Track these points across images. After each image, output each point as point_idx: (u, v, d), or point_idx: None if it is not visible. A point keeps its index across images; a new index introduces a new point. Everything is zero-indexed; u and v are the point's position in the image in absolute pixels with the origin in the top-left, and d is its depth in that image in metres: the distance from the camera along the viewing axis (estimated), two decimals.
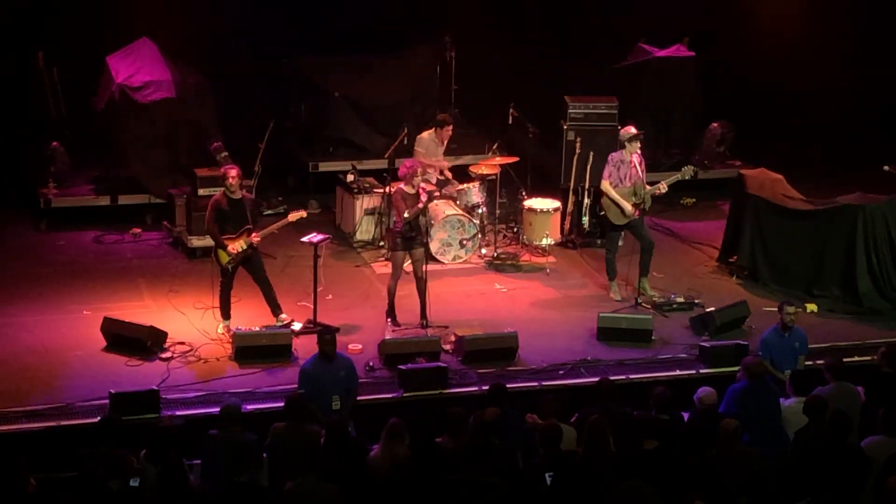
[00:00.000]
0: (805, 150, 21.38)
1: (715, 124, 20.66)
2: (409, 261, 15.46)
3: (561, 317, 16.09)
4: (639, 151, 16.30)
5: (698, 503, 10.82)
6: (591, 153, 17.80)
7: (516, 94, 19.14)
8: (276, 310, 15.26)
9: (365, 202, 18.07)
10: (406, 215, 15.18)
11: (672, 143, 20.47)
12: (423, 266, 15.44)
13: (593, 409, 12.27)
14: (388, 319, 15.40)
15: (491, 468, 10.99)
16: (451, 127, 17.89)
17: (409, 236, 15.30)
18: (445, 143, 17.97)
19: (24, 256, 17.37)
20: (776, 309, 14.59)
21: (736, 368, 13.38)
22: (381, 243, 17.73)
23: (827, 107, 22.00)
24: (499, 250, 17.80)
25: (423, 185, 15.45)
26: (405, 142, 18.38)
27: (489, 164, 17.95)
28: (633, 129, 16.34)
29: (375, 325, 15.39)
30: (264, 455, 11.77)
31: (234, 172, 14.97)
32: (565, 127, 18.13)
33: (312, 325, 15.14)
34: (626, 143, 16.23)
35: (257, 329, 14.92)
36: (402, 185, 15.46)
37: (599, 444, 11.29)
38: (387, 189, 17.45)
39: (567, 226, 18.15)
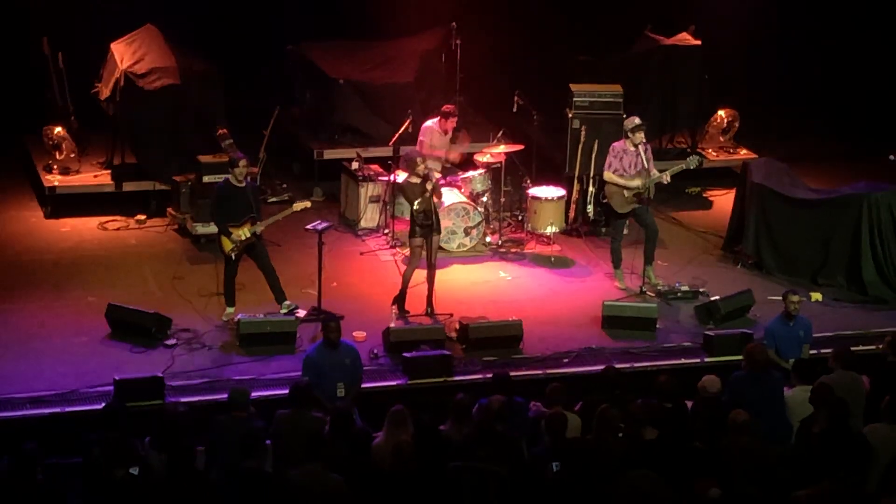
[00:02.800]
0: (810, 139, 21.37)
1: (720, 113, 20.62)
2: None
3: (565, 305, 16.09)
4: (644, 141, 16.27)
5: (714, 490, 10.80)
6: (597, 141, 17.76)
7: (521, 82, 19.11)
8: (280, 297, 15.27)
9: (369, 190, 18.05)
10: (415, 205, 15.19)
11: (677, 131, 20.43)
12: (436, 254, 15.46)
13: (597, 397, 12.27)
14: (395, 306, 15.38)
15: (495, 456, 10.98)
16: (455, 119, 17.90)
17: (425, 224, 15.29)
18: (450, 133, 17.95)
19: (28, 243, 17.37)
20: (781, 298, 14.59)
21: (740, 357, 13.37)
22: (386, 231, 17.73)
23: (832, 96, 22.00)
24: (503, 238, 17.79)
25: (434, 175, 15.37)
26: (410, 129, 18.35)
27: (494, 152, 17.93)
28: (636, 120, 16.32)
29: (380, 313, 15.39)
30: (268, 442, 11.77)
31: (245, 161, 15.02)
32: (570, 115, 18.11)
33: (317, 312, 15.14)
34: (629, 133, 16.21)
35: (262, 316, 14.93)
36: (407, 177, 15.47)
37: (609, 432, 11.30)
38: (391, 177, 17.43)
39: (572, 214, 18.13)
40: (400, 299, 15.46)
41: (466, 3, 20.91)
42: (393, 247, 17.37)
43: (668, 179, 16.31)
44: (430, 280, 15.47)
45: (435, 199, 15.27)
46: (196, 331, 14.90)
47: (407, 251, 16.98)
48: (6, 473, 10.61)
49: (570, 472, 10.90)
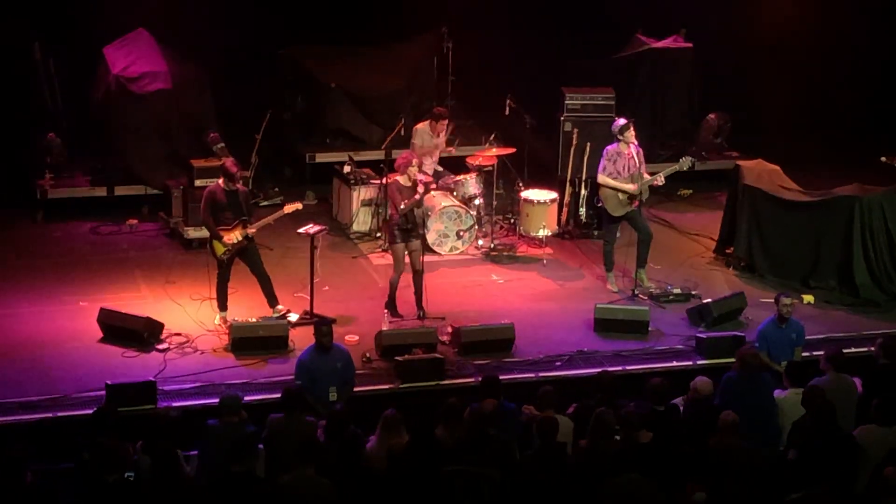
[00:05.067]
0: (802, 142, 21.39)
1: (712, 115, 20.65)
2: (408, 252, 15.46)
3: (558, 308, 16.09)
4: (635, 142, 16.28)
5: (699, 494, 10.81)
6: (588, 144, 17.79)
7: (513, 86, 19.11)
8: (272, 301, 15.25)
9: (362, 193, 18.07)
10: (402, 207, 15.18)
11: (669, 134, 20.45)
12: (421, 257, 15.44)
13: (591, 401, 12.27)
14: (387, 311, 15.38)
15: (488, 459, 10.98)
16: (446, 120, 17.91)
17: (405, 228, 15.29)
18: (441, 135, 17.95)
19: (20, 248, 17.36)
20: (773, 300, 14.59)
21: (732, 360, 13.37)
22: (378, 234, 17.73)
23: (824, 98, 22.02)
24: (496, 241, 17.80)
25: (420, 176, 15.41)
26: (402, 133, 18.38)
27: (486, 156, 17.94)
28: (621, 120, 16.34)
29: (372, 317, 15.38)
30: (260, 446, 11.75)
31: (235, 166, 15.02)
32: (562, 118, 18.12)
33: (309, 316, 15.13)
34: (619, 136, 16.21)
35: (254, 320, 14.91)
36: (398, 178, 15.46)
37: (604, 436, 11.30)
38: (383, 180, 17.44)
39: (564, 217, 18.15)
40: (389, 305, 15.47)
41: (458, 8, 20.92)
42: (385, 250, 17.36)
43: (662, 181, 16.33)
44: (418, 284, 15.46)
45: (415, 198, 15.20)
46: (188, 335, 14.88)
47: None
48: None
49: (565, 475, 10.92)
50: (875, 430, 11.73)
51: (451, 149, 18.13)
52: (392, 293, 15.48)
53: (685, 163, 16.54)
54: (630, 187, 16.09)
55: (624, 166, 16.17)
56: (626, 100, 18.80)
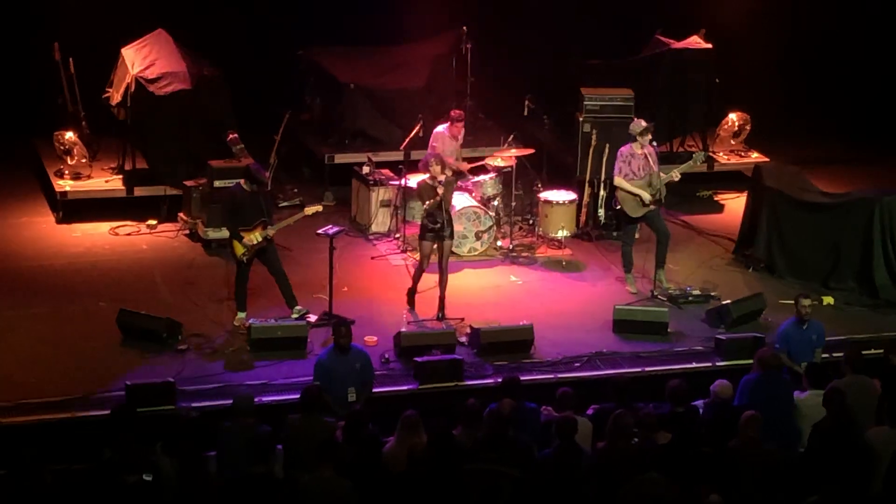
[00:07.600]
0: (822, 143, 21.35)
1: (732, 116, 20.59)
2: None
3: (576, 309, 16.07)
4: (650, 144, 16.25)
5: (713, 497, 10.79)
6: (607, 145, 17.74)
7: (532, 86, 19.08)
8: (291, 302, 15.27)
9: (380, 194, 18.05)
10: (425, 206, 15.20)
11: (687, 134, 20.39)
12: (446, 259, 15.43)
13: (608, 404, 12.25)
14: (406, 310, 15.36)
15: (507, 461, 10.97)
16: (462, 123, 17.87)
17: (432, 227, 15.29)
18: (459, 137, 17.93)
19: (39, 248, 17.38)
20: (792, 301, 14.56)
21: (752, 361, 13.35)
22: (397, 235, 17.72)
23: (844, 99, 21.97)
24: (514, 242, 17.78)
25: (441, 176, 15.36)
26: (421, 134, 18.36)
27: (505, 156, 17.92)
28: (643, 122, 16.32)
29: (391, 318, 15.39)
30: (279, 447, 11.77)
31: (263, 173, 15.06)
32: (581, 119, 18.09)
33: (328, 317, 15.14)
34: (636, 137, 16.20)
35: (273, 321, 14.93)
36: (426, 178, 15.49)
37: (622, 437, 11.28)
38: (402, 181, 17.44)
39: (583, 218, 18.12)
40: (409, 294, 15.52)
41: (477, 7, 20.91)
42: (404, 251, 17.37)
43: (678, 176, 16.33)
44: (442, 286, 15.46)
45: (436, 198, 15.21)
46: (207, 336, 14.91)
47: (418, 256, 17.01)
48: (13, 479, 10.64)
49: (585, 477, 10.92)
50: (886, 431, 11.70)
51: (464, 164, 18.07)
52: (414, 284, 15.50)
53: (698, 158, 16.56)
54: (646, 195, 16.06)
55: (639, 167, 16.16)
56: (646, 100, 18.75)
